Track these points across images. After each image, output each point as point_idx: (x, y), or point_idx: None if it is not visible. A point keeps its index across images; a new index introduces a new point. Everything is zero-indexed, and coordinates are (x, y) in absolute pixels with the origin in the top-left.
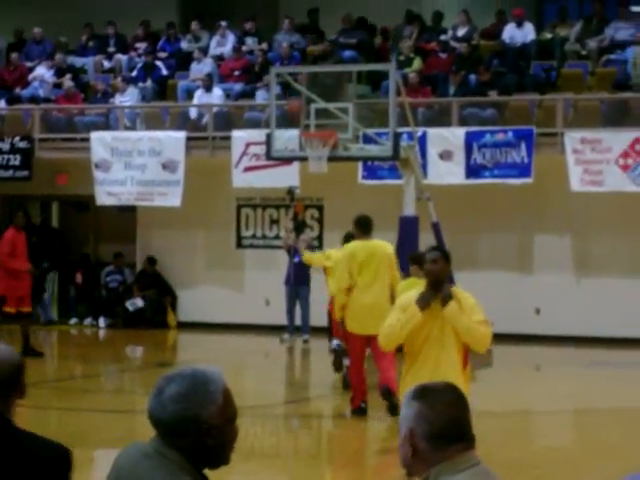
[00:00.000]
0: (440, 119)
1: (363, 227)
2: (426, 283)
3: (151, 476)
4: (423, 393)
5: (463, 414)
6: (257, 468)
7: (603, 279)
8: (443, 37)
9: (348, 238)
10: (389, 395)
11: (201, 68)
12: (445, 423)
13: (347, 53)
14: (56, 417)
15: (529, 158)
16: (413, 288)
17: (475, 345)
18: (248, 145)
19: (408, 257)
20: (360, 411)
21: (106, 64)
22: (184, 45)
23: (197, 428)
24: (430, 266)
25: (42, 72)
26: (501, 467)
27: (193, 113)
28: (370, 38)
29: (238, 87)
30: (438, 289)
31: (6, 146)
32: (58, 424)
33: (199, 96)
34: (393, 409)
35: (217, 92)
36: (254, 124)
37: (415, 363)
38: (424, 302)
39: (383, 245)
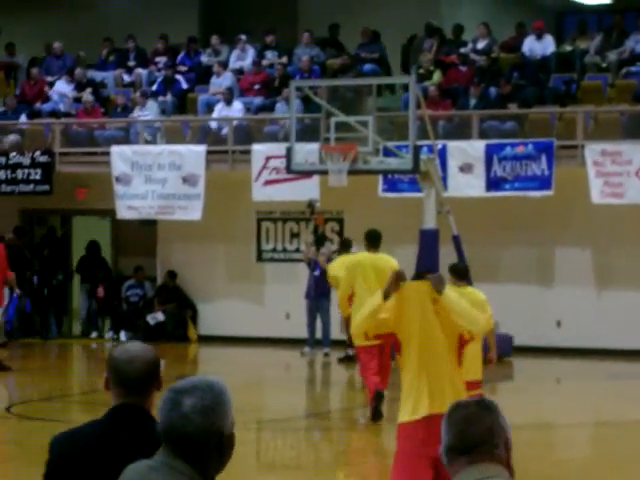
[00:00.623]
0: (460, 132)
1: (371, 240)
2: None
3: None
4: (450, 408)
5: (471, 428)
6: None
7: (624, 292)
8: (463, 50)
9: (345, 245)
10: (380, 397)
11: (221, 82)
12: (452, 436)
13: (367, 66)
14: None
15: (549, 170)
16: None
17: (470, 324)
18: (268, 159)
19: (448, 268)
20: (378, 396)
21: (126, 78)
22: (204, 59)
23: (218, 440)
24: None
25: (62, 87)
26: (525, 479)
27: (214, 126)
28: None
29: (258, 101)
30: (402, 279)
31: (27, 160)
32: None
33: (219, 109)
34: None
35: (237, 106)
36: (274, 138)
37: (408, 363)
38: (387, 290)
39: (388, 259)
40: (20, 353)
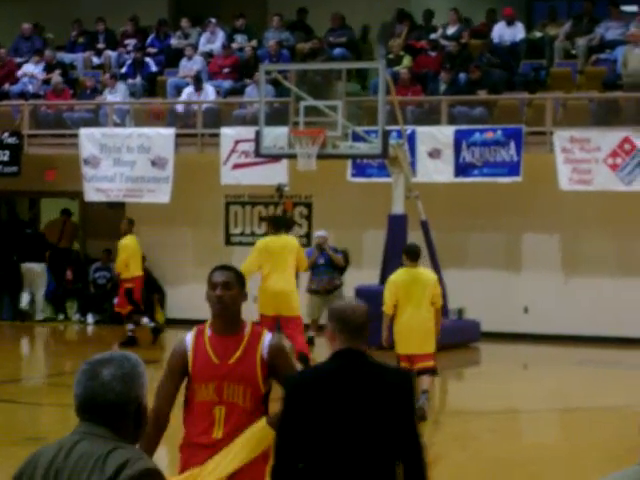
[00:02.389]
0: (429, 117)
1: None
2: None
3: (90, 449)
4: None
5: None
6: None
7: (591, 278)
8: (433, 36)
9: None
10: (305, 360)
11: (191, 65)
12: None
13: (337, 51)
14: (47, 413)
15: (518, 157)
16: (405, 275)
17: None
18: (237, 142)
19: (402, 249)
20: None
21: (95, 60)
22: (174, 42)
23: (136, 408)
24: None
25: (31, 68)
26: (493, 464)
27: (179, 109)
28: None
29: (227, 84)
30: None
31: None
32: (49, 420)
33: (188, 93)
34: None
35: (209, 89)
36: (243, 121)
37: None
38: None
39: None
40: None
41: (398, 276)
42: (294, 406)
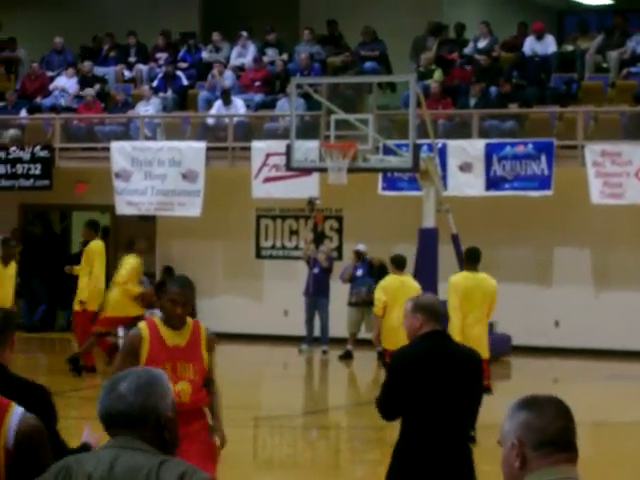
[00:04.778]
0: (460, 131)
1: (471, 259)
2: None
3: (135, 462)
4: (529, 403)
5: (571, 425)
6: (275, 479)
7: (622, 292)
8: (465, 50)
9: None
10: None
11: (217, 81)
12: (555, 430)
13: (368, 64)
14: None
15: (549, 170)
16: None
17: None
18: (268, 156)
19: (390, 258)
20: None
21: (127, 74)
22: (205, 55)
23: (156, 419)
24: None
25: (63, 82)
26: None
27: (210, 122)
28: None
29: (258, 98)
30: None
31: (27, 155)
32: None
33: (218, 107)
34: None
35: (239, 102)
36: (274, 135)
37: None
38: None
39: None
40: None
41: (388, 282)
42: (398, 374)
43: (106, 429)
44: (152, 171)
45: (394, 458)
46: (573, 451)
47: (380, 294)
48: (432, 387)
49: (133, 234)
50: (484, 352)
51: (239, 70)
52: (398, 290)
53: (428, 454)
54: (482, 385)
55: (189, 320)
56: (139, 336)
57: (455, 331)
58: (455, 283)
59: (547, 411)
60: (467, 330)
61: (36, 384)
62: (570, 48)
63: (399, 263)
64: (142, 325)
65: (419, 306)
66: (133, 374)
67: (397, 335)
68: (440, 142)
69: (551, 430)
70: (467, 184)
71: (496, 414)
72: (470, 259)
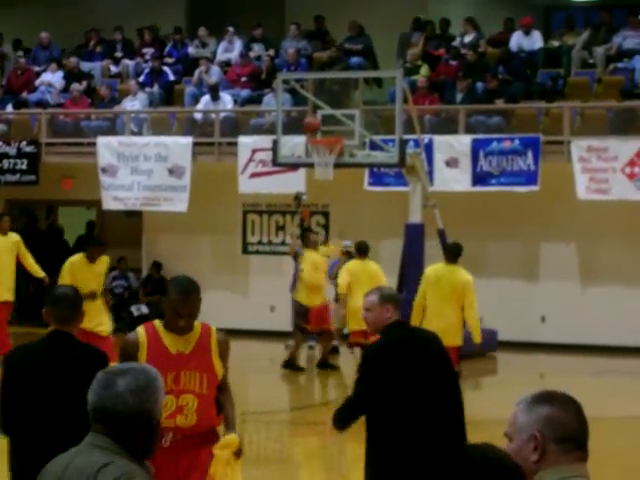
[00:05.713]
0: (447, 126)
1: (450, 254)
2: None
3: (85, 462)
4: (550, 398)
5: (586, 424)
6: (262, 474)
7: (609, 287)
8: (451, 44)
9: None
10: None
11: (204, 76)
12: (577, 427)
13: (354, 60)
14: None
15: (535, 166)
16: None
17: None
18: (254, 151)
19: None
20: None
21: (113, 69)
22: (191, 50)
23: (147, 422)
24: None
25: (49, 77)
26: None
27: (198, 117)
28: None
29: (245, 93)
30: None
31: (13, 150)
32: None
33: (205, 102)
34: None
35: (226, 98)
36: (260, 130)
37: None
38: None
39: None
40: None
41: (352, 265)
42: (378, 366)
43: (92, 422)
44: (138, 166)
45: (376, 455)
46: (586, 451)
47: (344, 275)
48: (414, 374)
49: (119, 230)
50: (456, 340)
51: (225, 65)
52: (362, 272)
53: (418, 446)
54: (452, 364)
55: (196, 323)
56: (135, 342)
57: (415, 319)
58: (427, 274)
59: (569, 407)
60: (434, 319)
61: (96, 348)
62: (556, 44)
63: (362, 250)
64: (139, 329)
65: (388, 297)
66: (131, 371)
67: (361, 315)
68: (426, 137)
69: (574, 426)
70: (453, 179)
71: (482, 410)
72: (450, 253)
